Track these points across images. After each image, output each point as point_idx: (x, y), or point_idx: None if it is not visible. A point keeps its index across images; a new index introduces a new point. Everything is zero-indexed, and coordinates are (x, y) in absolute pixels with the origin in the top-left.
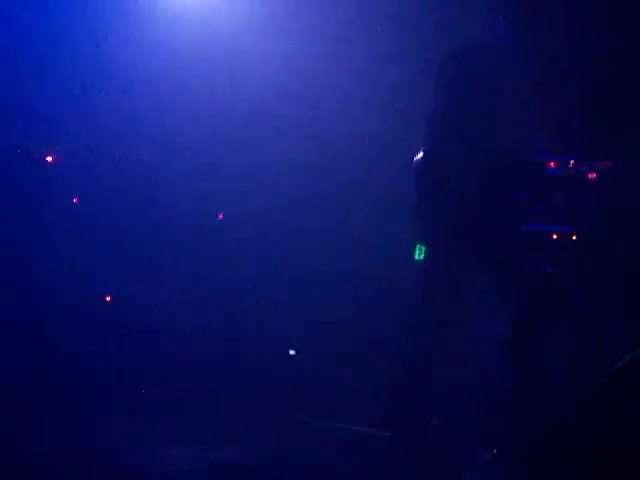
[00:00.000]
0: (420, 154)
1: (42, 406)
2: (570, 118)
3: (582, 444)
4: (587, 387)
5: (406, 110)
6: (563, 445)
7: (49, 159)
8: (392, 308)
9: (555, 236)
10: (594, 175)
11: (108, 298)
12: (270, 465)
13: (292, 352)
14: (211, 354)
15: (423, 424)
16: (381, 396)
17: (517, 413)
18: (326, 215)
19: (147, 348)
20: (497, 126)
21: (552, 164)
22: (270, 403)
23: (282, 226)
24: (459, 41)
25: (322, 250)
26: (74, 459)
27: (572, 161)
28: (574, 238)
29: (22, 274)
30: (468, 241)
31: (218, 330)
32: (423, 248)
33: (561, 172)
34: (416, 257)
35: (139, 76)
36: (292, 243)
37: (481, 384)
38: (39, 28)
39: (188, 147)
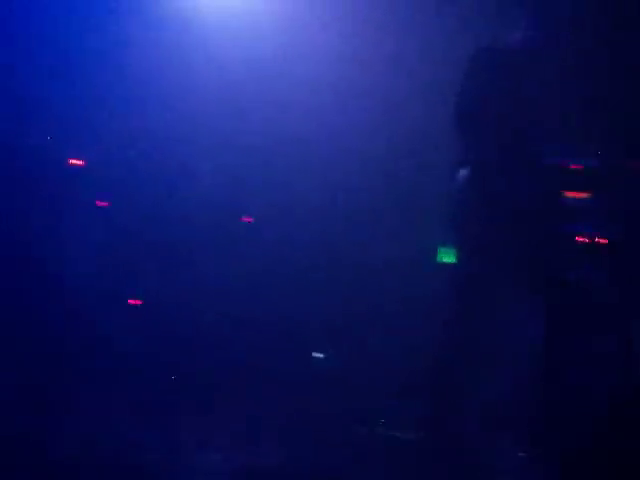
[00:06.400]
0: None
1: (60, 407)
2: (596, 118)
3: (614, 446)
4: (619, 390)
5: (428, 113)
6: (594, 447)
7: (73, 162)
8: (421, 306)
9: (582, 239)
10: (622, 176)
11: (131, 301)
12: (294, 469)
13: (316, 355)
14: (235, 356)
15: (454, 426)
16: (409, 397)
17: (549, 414)
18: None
19: (168, 350)
20: (522, 126)
21: (578, 166)
22: (294, 404)
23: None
24: (483, 40)
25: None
26: (94, 463)
27: (598, 162)
28: (602, 242)
29: (41, 276)
30: (503, 243)
31: (241, 331)
32: (450, 251)
33: (588, 174)
34: (438, 260)
35: (167, 77)
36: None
37: (512, 385)
38: (59, 27)
39: (209, 148)
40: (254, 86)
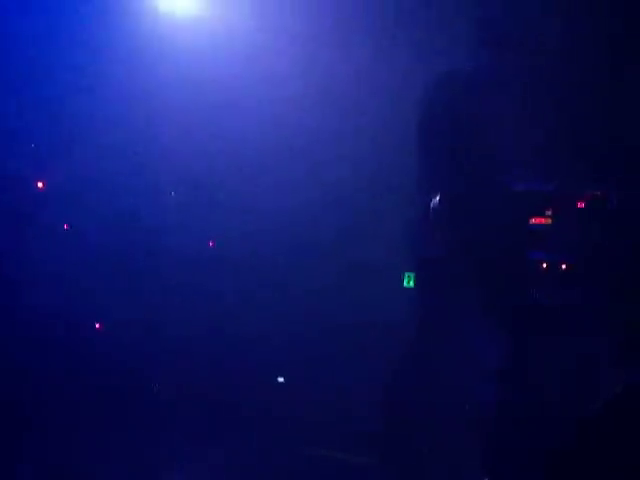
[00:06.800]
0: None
1: (40, 424)
2: (557, 146)
3: (577, 469)
4: (582, 413)
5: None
6: (557, 470)
7: (40, 185)
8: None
9: (545, 265)
10: (583, 204)
11: (97, 325)
12: None
13: (280, 379)
14: (214, 372)
15: (413, 452)
16: (370, 423)
17: (508, 439)
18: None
19: (146, 365)
20: (482, 155)
21: (540, 194)
22: (270, 423)
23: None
24: (440, 70)
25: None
26: None
27: (560, 190)
28: (564, 267)
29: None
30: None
31: (220, 348)
32: (412, 275)
33: (549, 201)
34: (405, 284)
35: (132, 100)
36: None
37: (472, 411)
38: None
39: (180, 167)
40: (220, 101)
